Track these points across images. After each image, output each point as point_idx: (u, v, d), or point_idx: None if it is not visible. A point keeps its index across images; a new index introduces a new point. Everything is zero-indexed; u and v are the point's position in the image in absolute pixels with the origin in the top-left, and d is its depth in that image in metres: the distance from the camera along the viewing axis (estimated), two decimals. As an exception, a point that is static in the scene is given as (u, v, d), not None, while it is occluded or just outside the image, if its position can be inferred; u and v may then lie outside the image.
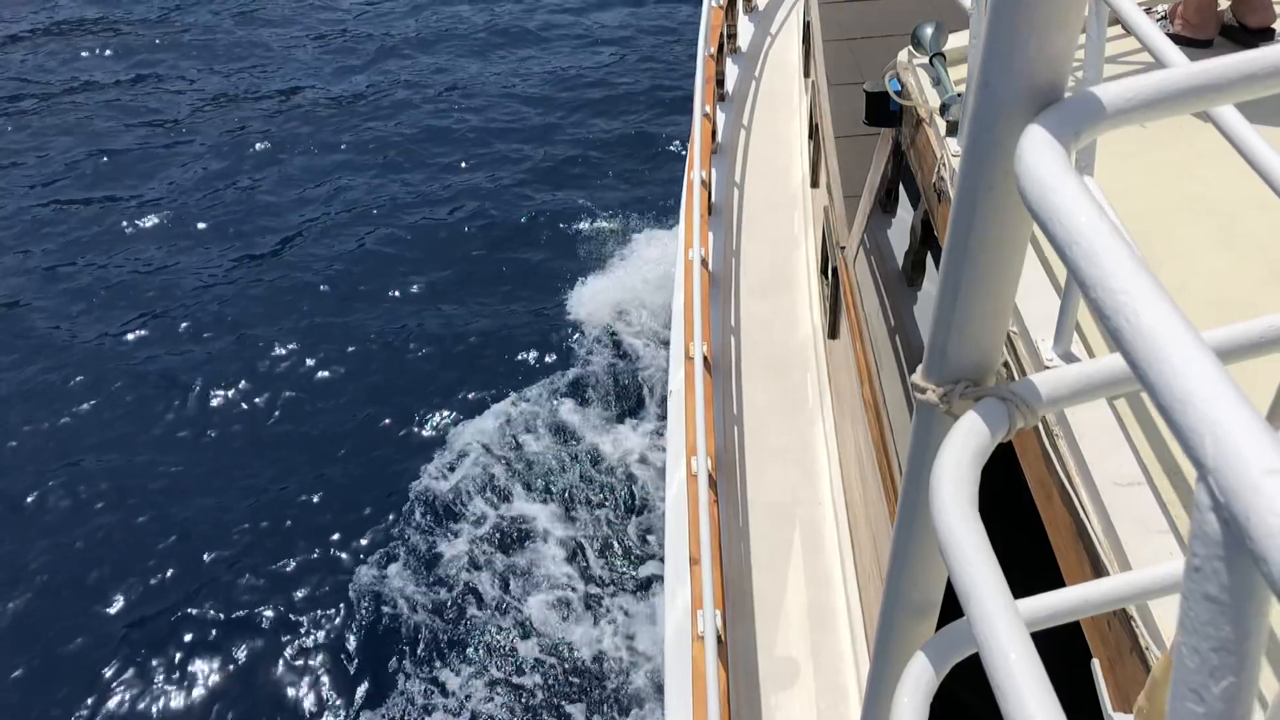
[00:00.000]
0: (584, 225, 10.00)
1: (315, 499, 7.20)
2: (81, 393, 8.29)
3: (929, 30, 3.13)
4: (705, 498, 3.89)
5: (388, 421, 7.90)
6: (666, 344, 7.28)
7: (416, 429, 7.85)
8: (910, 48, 3.24)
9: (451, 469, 7.36)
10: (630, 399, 7.88)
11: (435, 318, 8.94)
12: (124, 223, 10.45)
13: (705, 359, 4.79)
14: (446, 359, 8.44)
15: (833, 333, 5.02)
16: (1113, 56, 2.89)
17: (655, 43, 13.81)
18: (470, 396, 8.01)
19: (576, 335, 8.52)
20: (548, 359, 8.35)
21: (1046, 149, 0.68)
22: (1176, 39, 3.13)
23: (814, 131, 6.19)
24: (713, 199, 6.63)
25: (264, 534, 6.97)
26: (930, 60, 3.09)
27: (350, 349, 8.61)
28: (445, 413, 7.90)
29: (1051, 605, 0.98)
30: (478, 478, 7.27)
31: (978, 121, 0.79)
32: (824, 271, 5.43)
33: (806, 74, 7.12)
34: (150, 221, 10.47)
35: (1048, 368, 2.09)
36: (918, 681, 1.01)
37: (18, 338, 8.93)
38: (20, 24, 14.88)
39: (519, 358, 8.40)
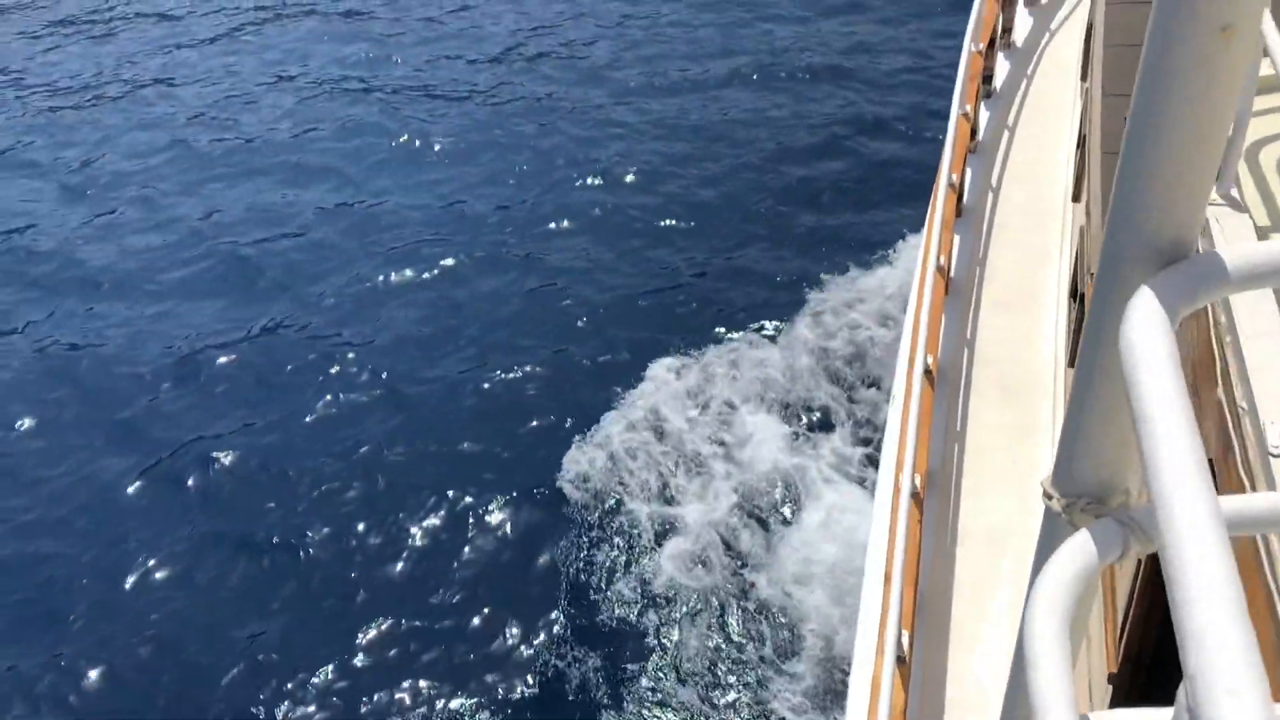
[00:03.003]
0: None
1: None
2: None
3: None
4: (905, 515, 3.84)
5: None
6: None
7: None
8: None
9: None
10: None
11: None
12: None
13: (928, 370, 4.68)
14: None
15: (1072, 360, 4.78)
16: None
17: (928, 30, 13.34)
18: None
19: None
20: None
21: (1149, 319, 0.69)
22: None
23: (1082, 142, 5.85)
24: (964, 201, 6.41)
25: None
26: None
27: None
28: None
29: None
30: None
31: (1103, 263, 0.80)
32: (1072, 294, 5.15)
33: (1083, 78, 6.71)
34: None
35: (1272, 455, 1.95)
36: None
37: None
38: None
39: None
